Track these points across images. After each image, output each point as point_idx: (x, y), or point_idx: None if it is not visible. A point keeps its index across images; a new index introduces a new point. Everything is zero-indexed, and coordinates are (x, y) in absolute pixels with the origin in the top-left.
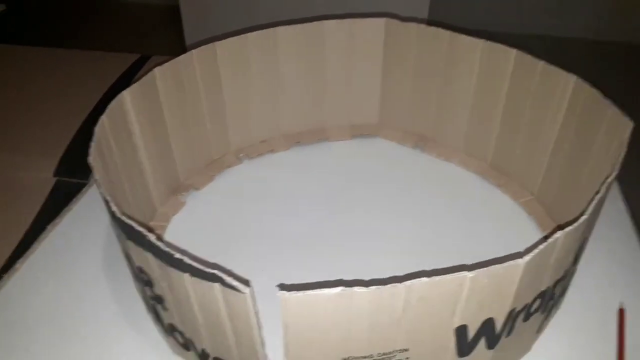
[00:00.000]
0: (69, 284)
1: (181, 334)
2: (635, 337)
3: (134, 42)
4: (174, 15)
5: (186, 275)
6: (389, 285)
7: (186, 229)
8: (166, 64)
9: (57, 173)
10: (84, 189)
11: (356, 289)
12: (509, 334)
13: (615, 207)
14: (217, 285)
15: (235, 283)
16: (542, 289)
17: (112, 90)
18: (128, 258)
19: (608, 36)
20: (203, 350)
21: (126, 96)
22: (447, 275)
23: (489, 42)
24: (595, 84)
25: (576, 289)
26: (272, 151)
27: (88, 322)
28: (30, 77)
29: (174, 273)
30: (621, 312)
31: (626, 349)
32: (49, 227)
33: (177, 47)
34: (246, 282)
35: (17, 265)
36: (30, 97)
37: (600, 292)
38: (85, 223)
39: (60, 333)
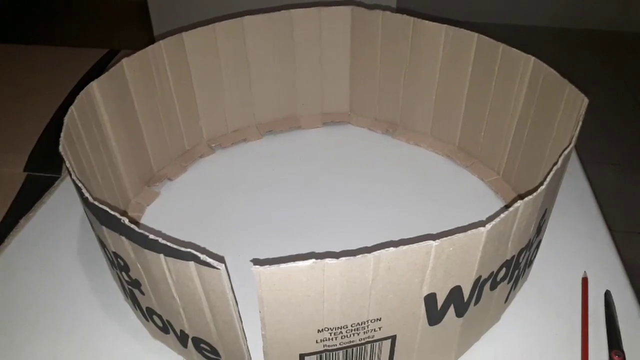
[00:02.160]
0: (45, 276)
1: (159, 317)
2: (598, 303)
3: (102, 37)
4: (141, 9)
5: (161, 256)
6: (358, 256)
7: (161, 219)
8: (134, 55)
9: (27, 168)
10: (57, 183)
11: (327, 260)
12: (477, 302)
13: (579, 185)
14: (191, 264)
15: (209, 260)
16: (507, 257)
17: (80, 85)
18: (103, 244)
19: (569, 24)
20: (182, 331)
21: (95, 87)
22: (413, 244)
23: (452, 27)
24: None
25: (542, 261)
26: (244, 140)
27: (66, 313)
28: None
29: (149, 255)
30: (585, 281)
31: (590, 315)
32: (22, 220)
33: (146, 41)
34: (220, 259)
35: None
36: None
37: (565, 264)
38: (59, 215)
39: (39, 324)
